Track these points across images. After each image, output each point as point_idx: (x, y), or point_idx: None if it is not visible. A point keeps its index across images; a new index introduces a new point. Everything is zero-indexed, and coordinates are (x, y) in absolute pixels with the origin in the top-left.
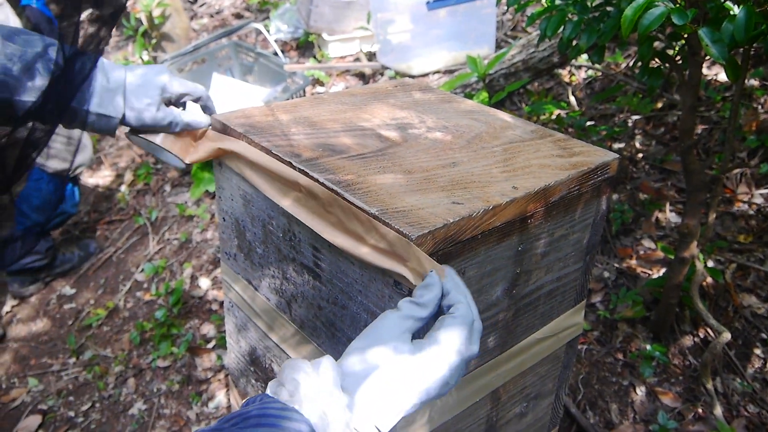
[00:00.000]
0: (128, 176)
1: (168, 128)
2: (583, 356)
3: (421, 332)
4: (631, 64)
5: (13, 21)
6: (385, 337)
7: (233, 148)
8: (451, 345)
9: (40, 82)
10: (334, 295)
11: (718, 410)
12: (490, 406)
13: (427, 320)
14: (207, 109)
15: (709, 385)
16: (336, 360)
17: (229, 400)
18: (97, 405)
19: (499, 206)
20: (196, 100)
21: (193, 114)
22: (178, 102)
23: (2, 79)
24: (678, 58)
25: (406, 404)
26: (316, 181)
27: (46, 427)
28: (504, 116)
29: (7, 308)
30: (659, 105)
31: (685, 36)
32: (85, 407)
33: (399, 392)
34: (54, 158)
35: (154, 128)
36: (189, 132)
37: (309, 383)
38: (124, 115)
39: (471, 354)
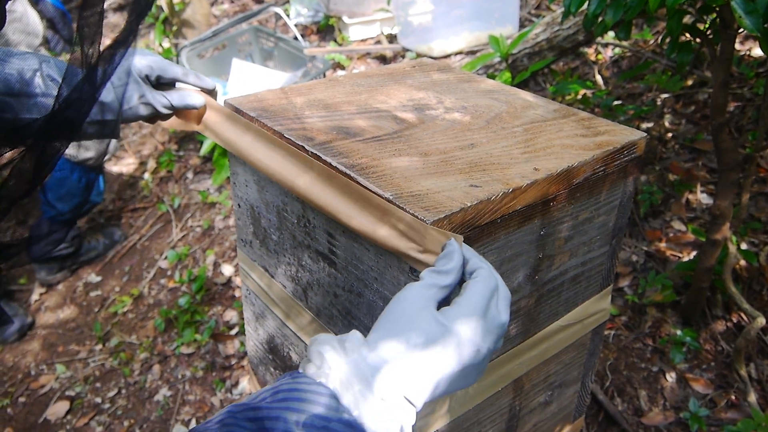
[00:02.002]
0: (151, 164)
1: (151, 108)
2: (611, 342)
3: (446, 301)
4: (659, 40)
5: (32, 14)
6: (409, 308)
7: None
8: (476, 310)
9: (42, 99)
10: (350, 282)
11: (753, 397)
12: (513, 395)
13: (452, 288)
14: (195, 86)
15: (743, 372)
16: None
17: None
18: (123, 391)
19: (519, 189)
20: (173, 80)
21: (180, 95)
22: (159, 82)
23: (2, 99)
24: (709, 32)
25: (437, 374)
26: (329, 165)
27: (74, 412)
28: (525, 95)
29: (35, 296)
30: (689, 82)
31: (717, 8)
32: (111, 393)
33: (428, 362)
34: (78, 147)
35: (136, 113)
36: (189, 113)
37: (334, 356)
38: (122, 113)
39: (500, 320)
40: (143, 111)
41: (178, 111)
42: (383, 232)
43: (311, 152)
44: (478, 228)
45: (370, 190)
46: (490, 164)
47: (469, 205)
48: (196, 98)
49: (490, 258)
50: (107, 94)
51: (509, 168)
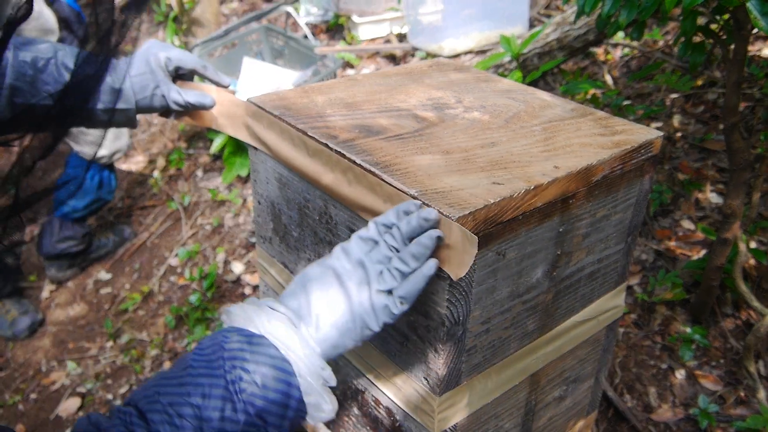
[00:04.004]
0: (161, 162)
1: (165, 103)
2: (620, 339)
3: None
4: (672, 40)
5: (47, 14)
6: (336, 263)
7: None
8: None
9: (54, 86)
10: None
11: (762, 394)
12: (529, 390)
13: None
14: (212, 80)
15: (752, 369)
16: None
17: None
18: (134, 388)
19: (541, 186)
20: (192, 72)
21: (194, 94)
22: (177, 73)
23: (17, 85)
24: (722, 32)
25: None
26: (354, 162)
27: (86, 409)
28: (542, 95)
29: (45, 293)
30: (699, 82)
31: (731, 9)
32: (122, 390)
33: (341, 317)
34: (91, 145)
35: (151, 103)
36: (201, 112)
37: (266, 316)
38: (137, 103)
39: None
40: (157, 103)
41: (189, 109)
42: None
43: (335, 150)
44: (501, 224)
45: (396, 188)
46: (510, 162)
47: (492, 202)
48: (208, 99)
49: (511, 254)
50: (120, 81)
51: (530, 166)
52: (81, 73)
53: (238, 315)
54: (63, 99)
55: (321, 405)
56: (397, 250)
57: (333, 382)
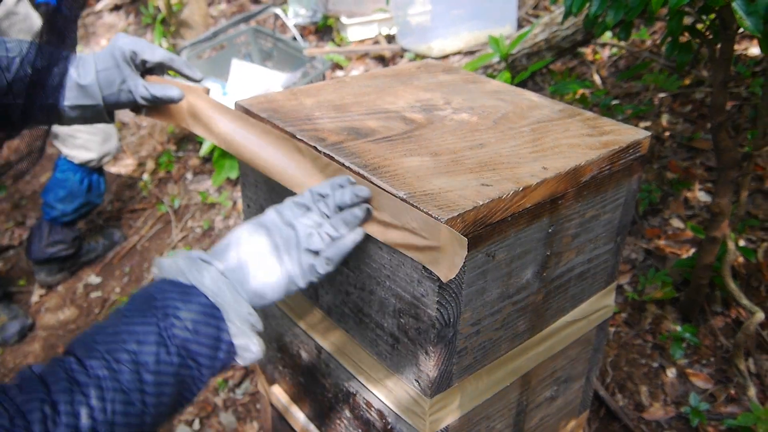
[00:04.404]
0: (150, 164)
1: (132, 97)
2: (611, 338)
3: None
4: (659, 40)
5: (34, 16)
6: (268, 221)
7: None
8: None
9: (20, 83)
10: (362, 280)
11: (752, 391)
12: (520, 390)
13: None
14: (181, 73)
15: (742, 366)
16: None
17: (255, 386)
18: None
19: (530, 187)
20: (160, 66)
21: (161, 87)
22: (145, 67)
23: None
24: (708, 32)
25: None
26: (342, 165)
27: None
28: (530, 95)
29: (35, 298)
30: (686, 82)
31: (717, 9)
32: None
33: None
34: (80, 148)
35: (118, 99)
36: (172, 108)
37: (197, 267)
38: (104, 99)
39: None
40: (125, 98)
41: (159, 104)
42: (394, 235)
43: (324, 152)
44: (490, 226)
45: (384, 190)
46: (499, 164)
47: (481, 203)
48: (174, 91)
49: (500, 255)
50: (86, 77)
51: (518, 167)
52: (37, 66)
53: (170, 267)
54: (24, 94)
55: (249, 347)
56: (329, 218)
57: (260, 327)
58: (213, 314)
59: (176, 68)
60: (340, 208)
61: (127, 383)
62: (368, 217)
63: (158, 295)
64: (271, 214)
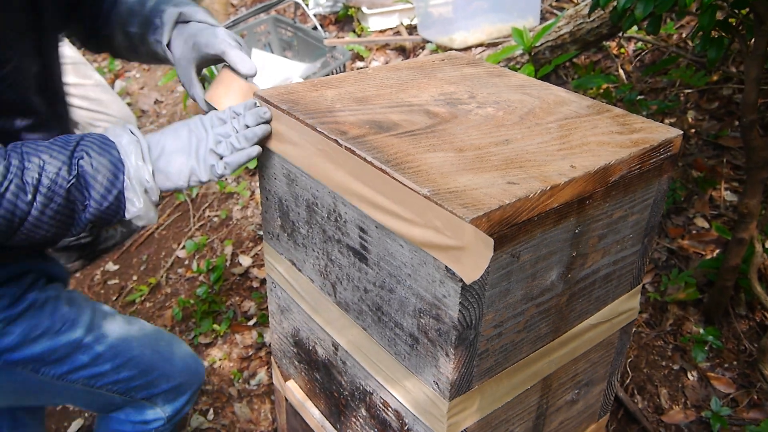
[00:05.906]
0: None
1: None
2: (631, 339)
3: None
4: (688, 35)
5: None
6: (191, 123)
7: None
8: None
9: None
10: (382, 278)
11: None
12: (541, 393)
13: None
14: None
15: (767, 372)
16: None
17: (270, 377)
18: None
19: (557, 186)
20: (221, 58)
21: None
22: (209, 58)
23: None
24: (741, 27)
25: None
26: (364, 159)
27: None
28: (557, 90)
29: None
30: (714, 78)
31: (752, 2)
32: None
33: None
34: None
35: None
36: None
37: (124, 132)
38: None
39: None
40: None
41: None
42: (417, 232)
43: (345, 146)
44: (516, 226)
45: (407, 187)
46: (526, 161)
47: (507, 202)
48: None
49: (525, 256)
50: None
51: (546, 165)
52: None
53: (109, 129)
54: None
55: (135, 202)
56: (237, 132)
57: (153, 196)
58: (116, 165)
59: (230, 61)
60: (247, 126)
61: (29, 178)
62: (266, 135)
63: (86, 138)
64: (196, 119)
